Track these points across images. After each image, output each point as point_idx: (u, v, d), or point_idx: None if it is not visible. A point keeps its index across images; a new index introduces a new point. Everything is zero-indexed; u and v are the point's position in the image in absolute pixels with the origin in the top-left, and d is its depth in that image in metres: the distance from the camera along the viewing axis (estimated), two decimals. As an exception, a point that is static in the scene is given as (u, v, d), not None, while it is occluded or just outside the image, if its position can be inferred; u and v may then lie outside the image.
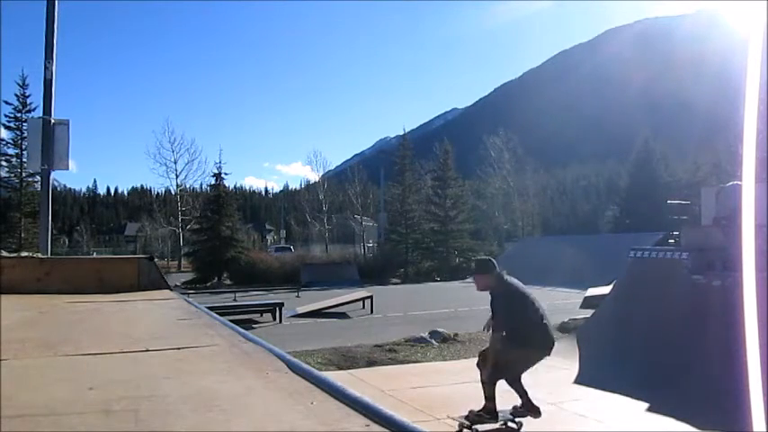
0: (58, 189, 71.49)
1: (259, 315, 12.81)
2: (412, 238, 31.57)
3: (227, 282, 26.97)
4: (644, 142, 42.42)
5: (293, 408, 1.53)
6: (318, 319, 12.50)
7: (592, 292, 12.93)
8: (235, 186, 61.75)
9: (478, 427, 4.62)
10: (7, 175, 29.83)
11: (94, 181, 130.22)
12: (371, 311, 13.58)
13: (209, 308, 4.21)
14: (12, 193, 29.52)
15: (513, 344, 4.57)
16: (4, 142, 29.75)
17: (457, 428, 4.65)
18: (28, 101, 29.56)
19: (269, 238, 69.79)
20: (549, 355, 4.71)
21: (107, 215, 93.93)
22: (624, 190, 44.27)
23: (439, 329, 9.03)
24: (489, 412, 4.63)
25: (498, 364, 4.61)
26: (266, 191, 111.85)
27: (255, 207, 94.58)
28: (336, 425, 1.38)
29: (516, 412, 4.71)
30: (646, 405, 4.88)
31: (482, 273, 4.94)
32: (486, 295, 4.85)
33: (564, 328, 9.13)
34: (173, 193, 41.23)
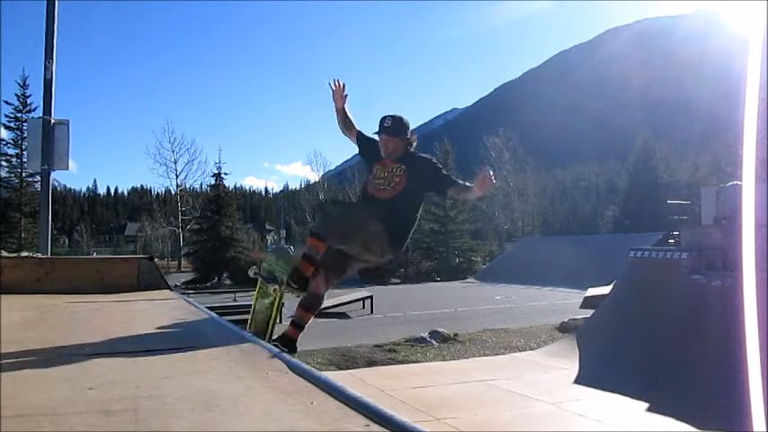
0: (58, 189, 71.53)
1: (259, 315, 12.79)
2: (412, 239, 31.47)
3: (227, 282, 26.97)
4: (644, 142, 42.48)
5: (293, 408, 1.53)
6: (318, 319, 12.43)
7: (592, 292, 12.93)
8: (235, 186, 61.87)
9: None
10: (7, 175, 29.91)
11: (94, 181, 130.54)
12: (371, 311, 13.58)
13: (209, 308, 4.21)
14: (12, 193, 29.55)
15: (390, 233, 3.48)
16: (4, 142, 29.86)
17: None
18: (28, 101, 29.68)
19: (269, 238, 69.72)
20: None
21: (107, 215, 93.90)
22: (624, 190, 44.35)
23: (439, 329, 9.02)
24: (292, 342, 3.55)
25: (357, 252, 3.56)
26: (266, 191, 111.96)
27: (255, 207, 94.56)
28: (336, 425, 1.38)
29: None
30: (646, 405, 4.87)
31: (403, 135, 3.69)
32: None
33: (564, 328, 9.12)
34: (173, 193, 41.35)
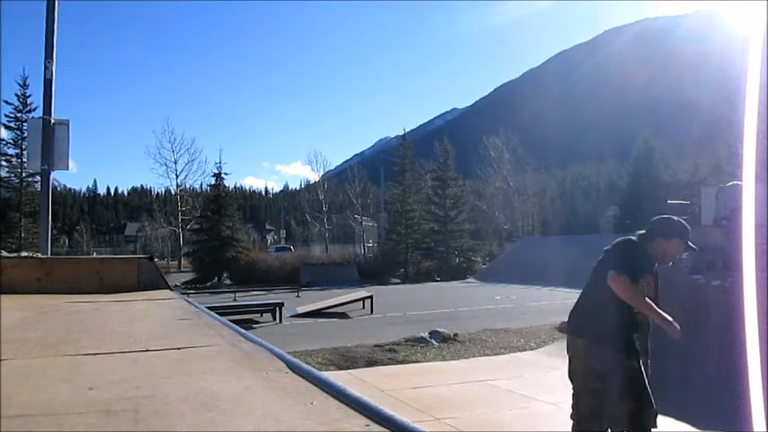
0: (58, 189, 71.50)
1: (259, 315, 12.80)
2: (412, 238, 31.56)
3: (227, 282, 26.97)
4: (644, 142, 42.51)
5: (293, 408, 1.53)
6: (318, 319, 12.50)
7: (592, 292, 12.87)
8: (235, 186, 62.13)
9: None
10: (7, 175, 29.86)
11: (94, 181, 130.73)
12: (371, 311, 13.57)
13: (209, 308, 4.21)
14: (12, 193, 29.52)
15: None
16: (4, 142, 29.82)
17: None
18: (28, 101, 29.63)
19: (269, 238, 69.72)
20: None
21: (107, 215, 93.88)
22: (624, 190, 44.37)
23: (439, 329, 9.02)
24: None
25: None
26: (266, 191, 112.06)
27: (255, 207, 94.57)
28: (336, 425, 1.38)
29: None
30: (646, 405, 4.87)
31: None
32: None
33: (564, 329, 9.12)
34: (173, 193, 41.33)
